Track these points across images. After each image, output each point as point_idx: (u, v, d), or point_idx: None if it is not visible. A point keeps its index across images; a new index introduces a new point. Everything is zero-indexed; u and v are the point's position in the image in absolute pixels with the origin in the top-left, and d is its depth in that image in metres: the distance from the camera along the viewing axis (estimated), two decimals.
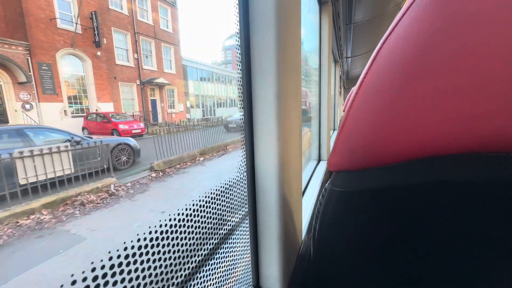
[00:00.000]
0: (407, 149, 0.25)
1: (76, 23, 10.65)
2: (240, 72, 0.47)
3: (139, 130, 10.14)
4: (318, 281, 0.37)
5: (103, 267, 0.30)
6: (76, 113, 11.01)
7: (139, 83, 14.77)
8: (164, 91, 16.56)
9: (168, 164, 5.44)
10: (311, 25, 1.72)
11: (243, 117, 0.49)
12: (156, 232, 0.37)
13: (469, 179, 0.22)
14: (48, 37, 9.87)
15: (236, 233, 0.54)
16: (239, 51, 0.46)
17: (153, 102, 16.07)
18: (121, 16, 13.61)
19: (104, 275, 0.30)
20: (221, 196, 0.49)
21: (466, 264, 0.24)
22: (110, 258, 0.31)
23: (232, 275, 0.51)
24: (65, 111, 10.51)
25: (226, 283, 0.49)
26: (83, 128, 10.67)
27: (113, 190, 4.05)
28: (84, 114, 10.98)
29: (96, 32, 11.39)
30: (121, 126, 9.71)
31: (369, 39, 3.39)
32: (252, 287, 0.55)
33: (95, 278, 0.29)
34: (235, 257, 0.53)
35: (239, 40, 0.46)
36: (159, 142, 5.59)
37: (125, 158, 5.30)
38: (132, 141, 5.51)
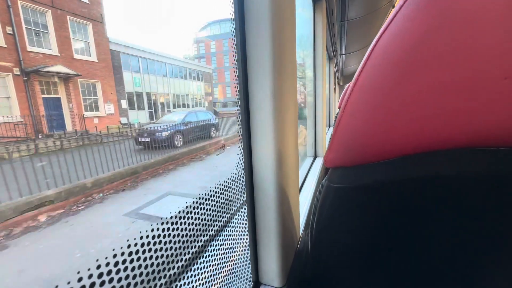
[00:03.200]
0: (402, 144, 0.25)
1: None
2: (237, 70, 0.48)
3: None
4: (315, 276, 0.38)
5: (110, 260, 0.31)
6: None
7: (19, 73, 9.63)
8: (74, 85, 11.44)
9: None
10: (305, 21, 1.76)
11: (240, 115, 0.50)
12: (158, 229, 0.37)
13: (462, 173, 0.23)
14: None
15: (235, 229, 0.55)
16: (235, 50, 0.47)
17: (54, 102, 10.91)
18: None
19: (107, 273, 0.30)
20: (220, 193, 0.50)
21: (463, 258, 0.24)
22: (114, 256, 0.32)
23: (232, 270, 0.52)
24: None
25: (226, 278, 0.50)
26: None
27: None
28: None
29: None
30: None
31: (363, 35, 3.35)
32: (251, 282, 0.56)
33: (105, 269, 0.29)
34: (235, 253, 0.54)
35: (235, 39, 0.47)
36: None
37: None
38: None
